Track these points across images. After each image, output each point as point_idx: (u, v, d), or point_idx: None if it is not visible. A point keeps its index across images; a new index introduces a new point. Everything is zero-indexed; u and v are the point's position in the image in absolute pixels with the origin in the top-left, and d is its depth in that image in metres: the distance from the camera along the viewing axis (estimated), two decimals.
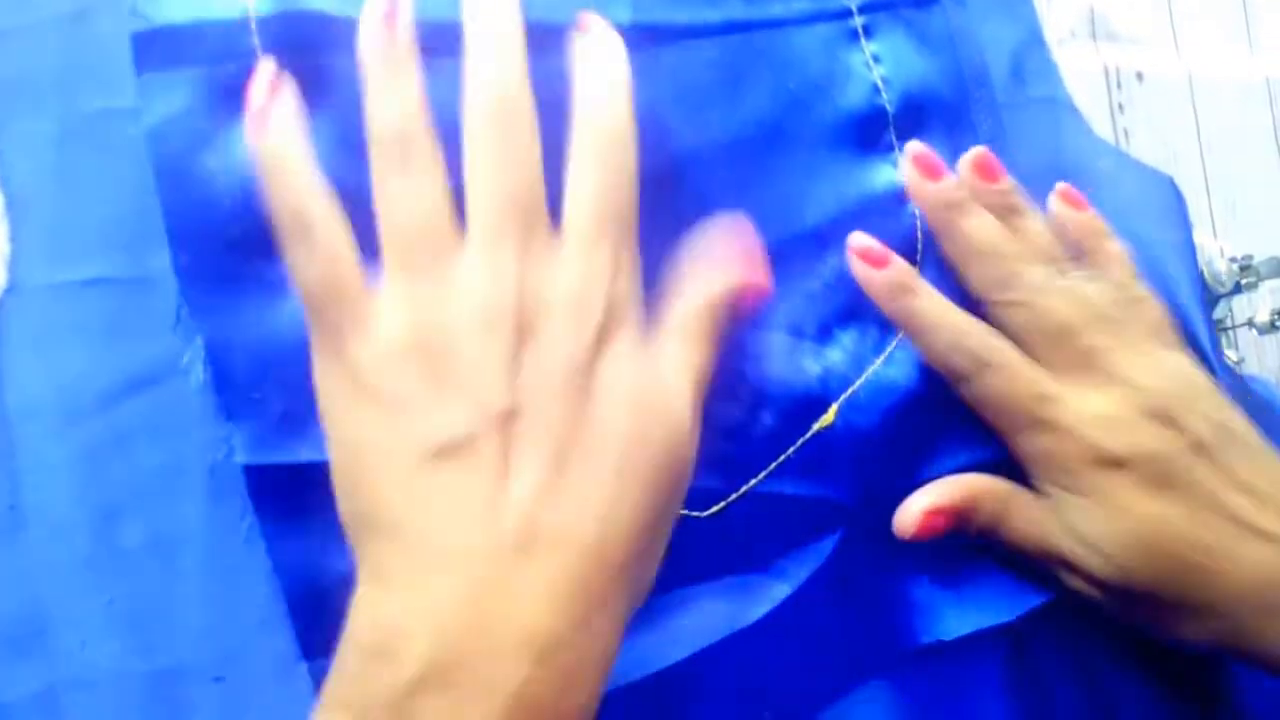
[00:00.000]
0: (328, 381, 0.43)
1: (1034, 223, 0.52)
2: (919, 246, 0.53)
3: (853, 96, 0.53)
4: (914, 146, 0.52)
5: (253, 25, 0.47)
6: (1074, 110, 0.59)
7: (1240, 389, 0.59)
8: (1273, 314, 0.76)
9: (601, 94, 0.44)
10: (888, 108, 0.53)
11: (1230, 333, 0.79)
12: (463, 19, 0.44)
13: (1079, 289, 0.51)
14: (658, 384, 0.43)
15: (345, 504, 0.42)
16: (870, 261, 0.50)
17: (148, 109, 0.47)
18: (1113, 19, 0.88)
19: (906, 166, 0.52)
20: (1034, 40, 0.60)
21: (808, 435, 0.50)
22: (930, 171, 0.51)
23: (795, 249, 0.51)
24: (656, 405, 0.42)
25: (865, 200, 0.53)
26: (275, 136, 0.43)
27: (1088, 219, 0.53)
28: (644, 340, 0.43)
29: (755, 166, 0.51)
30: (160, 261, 0.47)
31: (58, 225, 0.49)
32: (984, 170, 0.52)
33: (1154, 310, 0.52)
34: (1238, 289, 0.79)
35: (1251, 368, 0.84)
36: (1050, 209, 0.54)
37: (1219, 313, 0.80)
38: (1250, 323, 0.78)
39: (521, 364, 0.41)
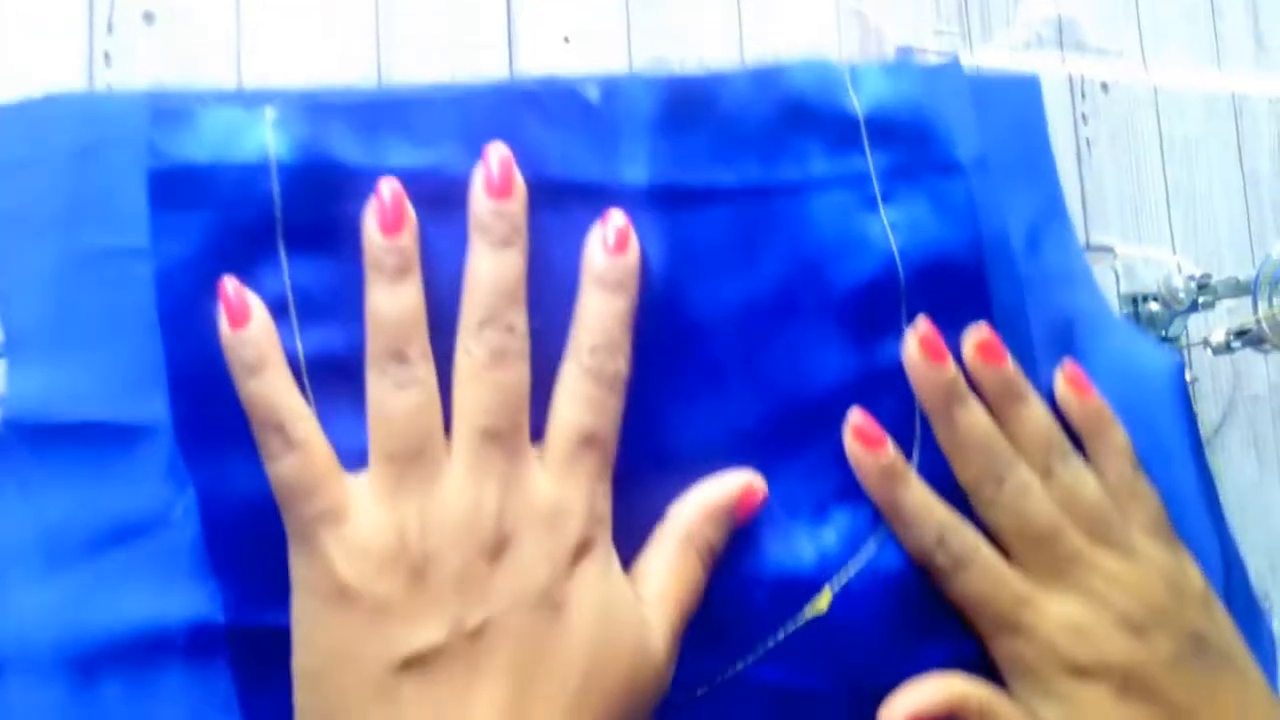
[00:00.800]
0: (302, 574, 0.43)
1: (1033, 411, 0.51)
2: (916, 427, 0.51)
3: (866, 266, 0.52)
4: (922, 327, 0.51)
5: (273, 171, 0.46)
6: (1091, 284, 0.57)
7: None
8: (1228, 334, 0.74)
9: (600, 312, 0.45)
10: (901, 279, 0.52)
11: (1185, 352, 0.77)
12: (470, 210, 0.45)
13: (1068, 489, 0.50)
14: (630, 607, 0.44)
15: (304, 698, 0.43)
16: (865, 441, 0.50)
17: (159, 250, 0.46)
18: (1082, 28, 0.86)
19: (911, 346, 0.50)
20: (1054, 209, 0.58)
21: (800, 622, 0.49)
22: (934, 354, 0.50)
23: (798, 421, 0.51)
24: (626, 628, 0.43)
25: (871, 374, 0.51)
26: (250, 332, 0.43)
27: (1091, 407, 0.53)
28: (623, 559, 0.45)
29: (765, 334, 0.51)
30: (156, 408, 0.46)
31: (54, 364, 0.47)
32: (988, 353, 0.51)
33: (1149, 506, 0.52)
34: (1194, 307, 0.77)
35: (1204, 387, 0.83)
36: (1055, 391, 0.53)
37: (1175, 330, 0.78)
38: (1206, 342, 0.76)
39: (495, 580, 0.42)
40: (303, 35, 0.66)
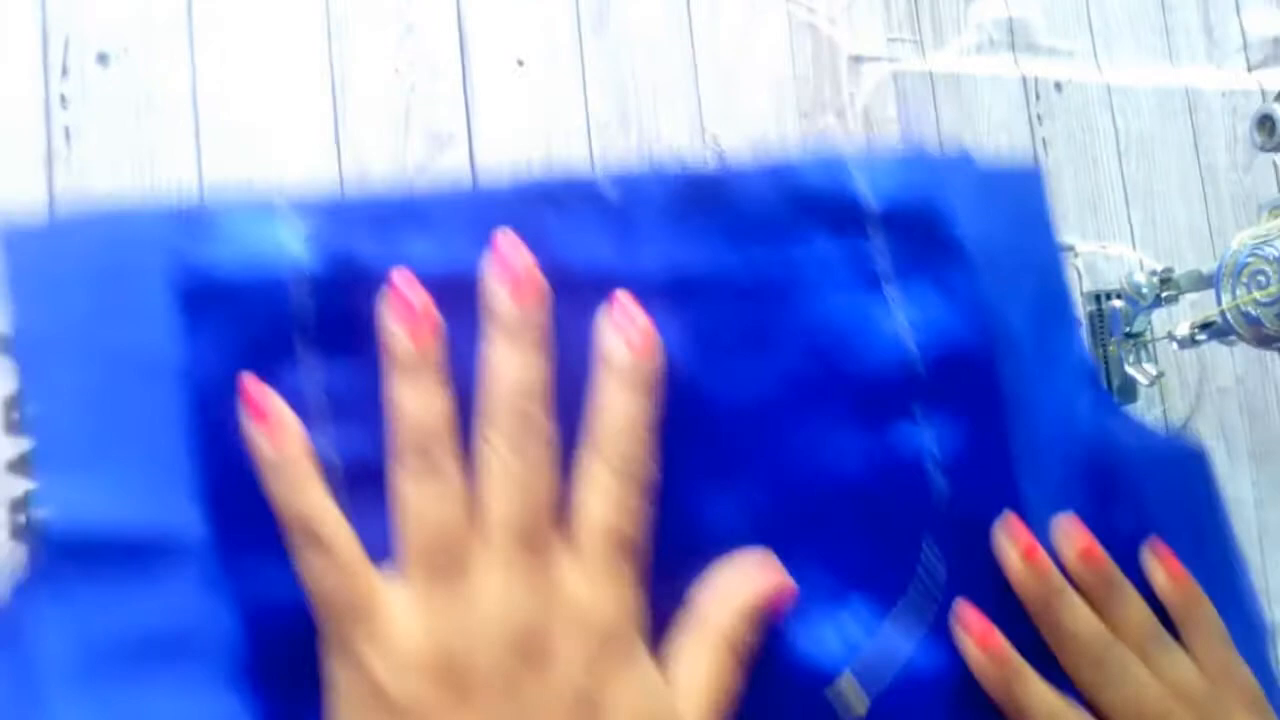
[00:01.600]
0: (341, 684, 0.43)
1: (1131, 600, 0.53)
2: (936, 568, 0.51)
3: (877, 354, 0.52)
4: (1015, 530, 0.51)
5: (299, 277, 0.46)
6: (1095, 377, 0.58)
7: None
8: (1192, 328, 0.75)
9: (627, 413, 0.45)
10: (912, 367, 0.52)
11: (1150, 347, 0.78)
12: (484, 303, 0.45)
13: (1170, 674, 0.52)
14: (668, 710, 0.44)
15: None
16: (980, 640, 0.50)
17: (191, 360, 0.46)
18: (1033, 29, 0.86)
19: (1008, 552, 0.51)
20: (1059, 302, 0.58)
21: None
22: (1031, 556, 0.51)
23: (815, 507, 0.51)
24: None
25: (886, 462, 0.51)
26: (281, 442, 0.43)
27: (1183, 587, 0.53)
28: (658, 658, 0.45)
29: (779, 421, 0.50)
30: (191, 519, 0.46)
31: (88, 478, 0.46)
32: (1089, 559, 0.52)
33: (1246, 685, 0.53)
34: (1158, 302, 0.78)
35: (1171, 382, 0.83)
36: (1147, 572, 0.54)
37: (1139, 325, 0.78)
38: (1170, 336, 0.76)
39: (534, 685, 0.42)
40: (257, 67, 0.66)
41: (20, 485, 0.60)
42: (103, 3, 0.65)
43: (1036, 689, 0.50)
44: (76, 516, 0.46)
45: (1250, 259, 0.72)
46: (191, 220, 0.47)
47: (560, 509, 0.45)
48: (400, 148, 0.68)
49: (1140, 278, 0.78)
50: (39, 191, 0.62)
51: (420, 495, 0.43)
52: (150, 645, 0.46)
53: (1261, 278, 0.71)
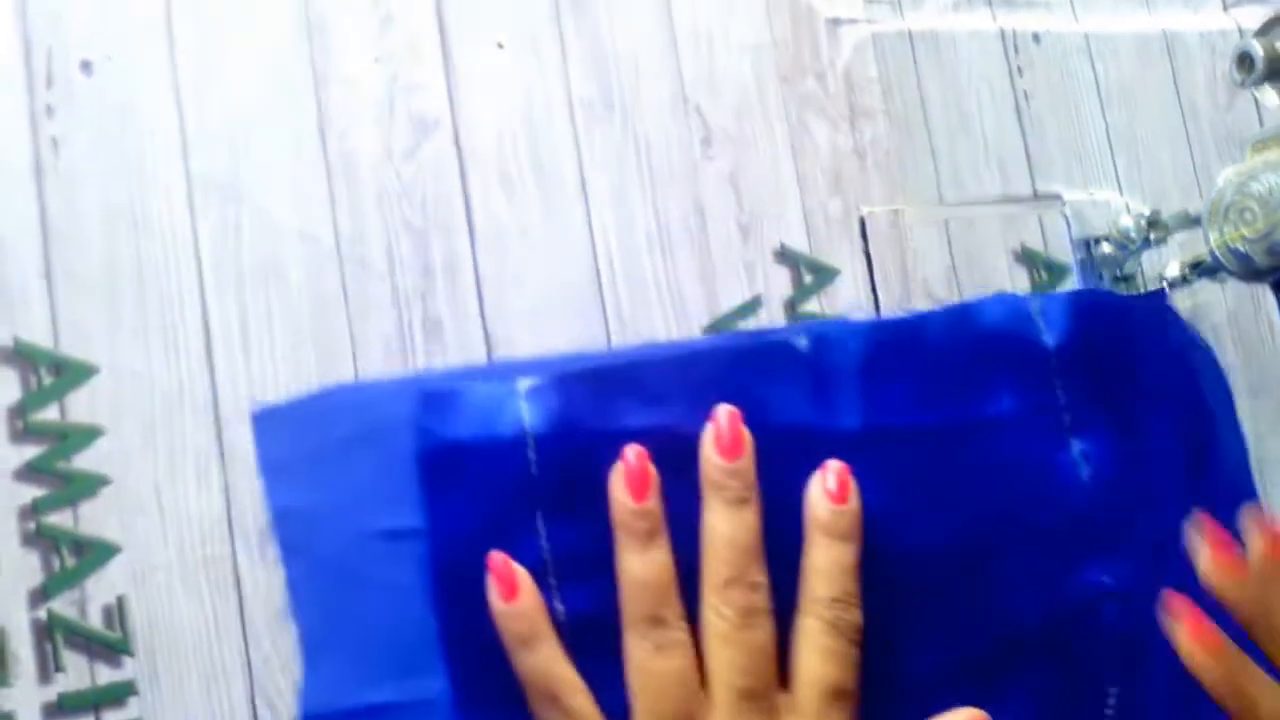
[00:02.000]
0: None
1: None
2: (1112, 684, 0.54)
3: (1062, 497, 0.54)
4: (1214, 536, 0.53)
5: (529, 441, 0.49)
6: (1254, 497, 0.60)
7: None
8: (1183, 268, 0.75)
9: (832, 563, 0.47)
10: (1096, 509, 0.53)
11: (1142, 290, 0.78)
12: (702, 470, 0.47)
13: None
14: None
15: None
16: (1204, 643, 0.51)
17: (432, 527, 0.48)
18: None
19: (1208, 562, 0.52)
20: (1226, 425, 0.60)
21: None
22: (1233, 569, 0.52)
23: (1008, 657, 0.52)
24: None
25: (1071, 607, 0.53)
26: (525, 615, 0.46)
27: None
28: None
29: (974, 565, 0.52)
30: (437, 683, 0.48)
31: (339, 651, 0.50)
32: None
33: None
34: (1147, 244, 0.78)
35: None
36: None
37: (1129, 268, 0.79)
38: (1161, 278, 0.77)
39: None
40: (238, 65, 0.67)
41: (27, 492, 0.61)
42: (83, 11, 0.65)
43: (1262, 678, 0.51)
44: (329, 691, 0.51)
45: (1236, 196, 0.72)
46: (430, 390, 0.49)
47: (780, 663, 0.47)
48: (386, 136, 0.68)
49: (1128, 222, 0.78)
50: (29, 203, 0.62)
51: (654, 657, 0.46)
52: None
53: (1249, 214, 0.71)
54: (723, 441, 0.47)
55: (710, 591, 0.46)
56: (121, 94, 0.65)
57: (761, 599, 0.46)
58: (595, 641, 0.47)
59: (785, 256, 0.74)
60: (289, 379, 0.64)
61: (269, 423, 0.54)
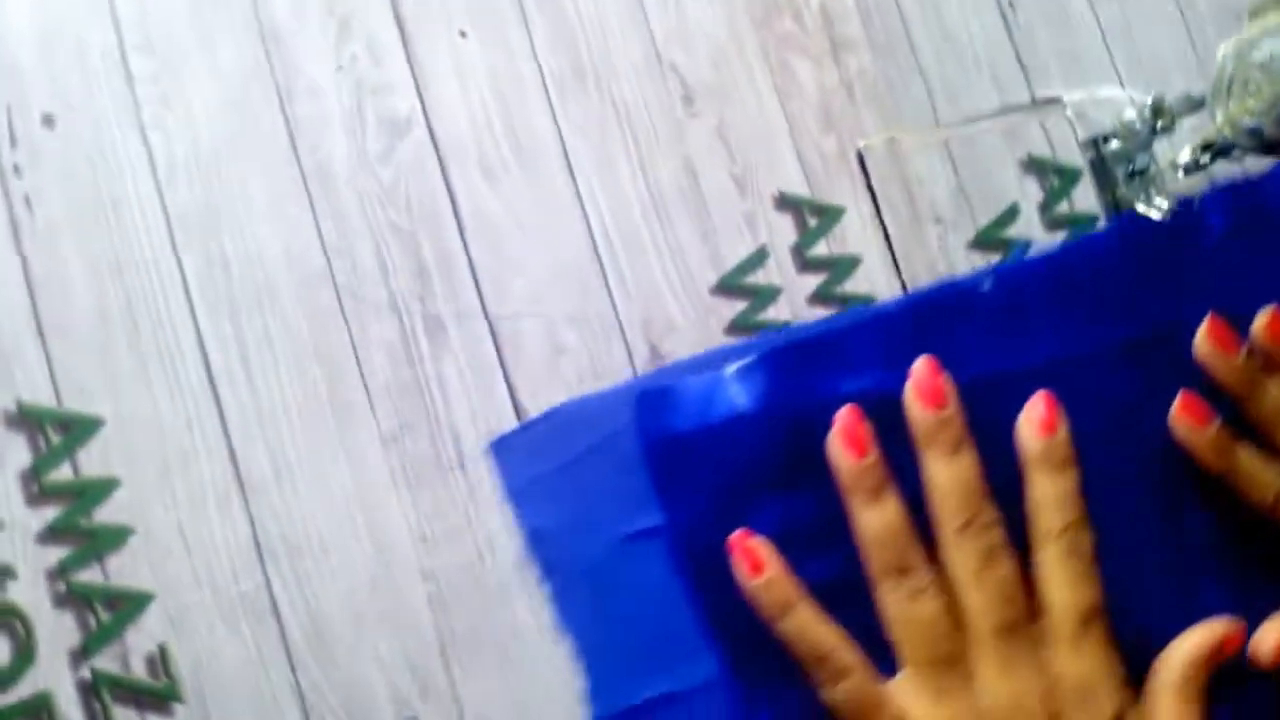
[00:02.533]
0: None
1: None
2: None
3: None
4: (1214, 321, 0.53)
5: (745, 421, 0.50)
6: None
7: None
8: (1194, 152, 0.72)
9: (1057, 492, 0.48)
10: None
11: (1158, 181, 0.76)
12: (912, 425, 0.48)
13: None
14: None
15: None
16: (1192, 416, 0.52)
17: (671, 520, 0.50)
18: None
19: (1202, 339, 0.53)
20: None
21: None
22: (1225, 347, 0.53)
23: (1200, 565, 0.53)
24: None
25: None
26: (769, 577, 0.47)
27: None
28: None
29: (1167, 482, 0.53)
30: (706, 668, 0.50)
31: (617, 652, 0.53)
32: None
33: None
34: (1154, 133, 0.75)
35: None
36: None
37: (1141, 161, 0.76)
38: (1175, 166, 0.74)
39: None
40: (200, 94, 0.66)
41: (53, 554, 0.60)
42: (38, 64, 0.64)
43: (1250, 448, 0.51)
44: (609, 696, 0.53)
45: (1238, 68, 0.69)
46: (645, 397, 0.51)
47: (1025, 593, 0.48)
48: (359, 142, 0.67)
49: (1132, 113, 0.75)
50: (11, 263, 0.62)
51: (909, 604, 0.47)
52: None
53: (1252, 85, 0.69)
54: (926, 393, 0.49)
55: (948, 541, 0.47)
56: (87, 142, 0.64)
57: (998, 535, 0.47)
58: (847, 603, 0.48)
59: (785, 203, 0.72)
60: (296, 400, 0.63)
61: (505, 451, 0.57)
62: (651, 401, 0.51)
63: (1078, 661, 0.47)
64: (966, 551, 0.48)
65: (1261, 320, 0.53)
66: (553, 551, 0.56)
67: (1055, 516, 0.48)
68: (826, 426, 0.49)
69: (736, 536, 0.48)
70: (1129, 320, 0.54)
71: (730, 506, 0.49)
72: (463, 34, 0.69)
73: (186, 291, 0.63)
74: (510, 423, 0.64)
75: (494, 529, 0.63)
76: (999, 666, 0.47)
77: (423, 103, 0.68)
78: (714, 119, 0.72)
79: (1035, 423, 0.49)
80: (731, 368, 0.51)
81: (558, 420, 0.56)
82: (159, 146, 0.64)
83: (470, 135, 0.68)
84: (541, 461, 0.56)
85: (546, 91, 0.70)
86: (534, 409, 0.64)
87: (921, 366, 0.49)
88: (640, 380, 0.58)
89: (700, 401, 0.51)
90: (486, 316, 0.66)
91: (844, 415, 0.49)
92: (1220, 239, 0.57)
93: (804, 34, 0.76)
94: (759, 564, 0.48)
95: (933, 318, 0.52)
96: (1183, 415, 0.52)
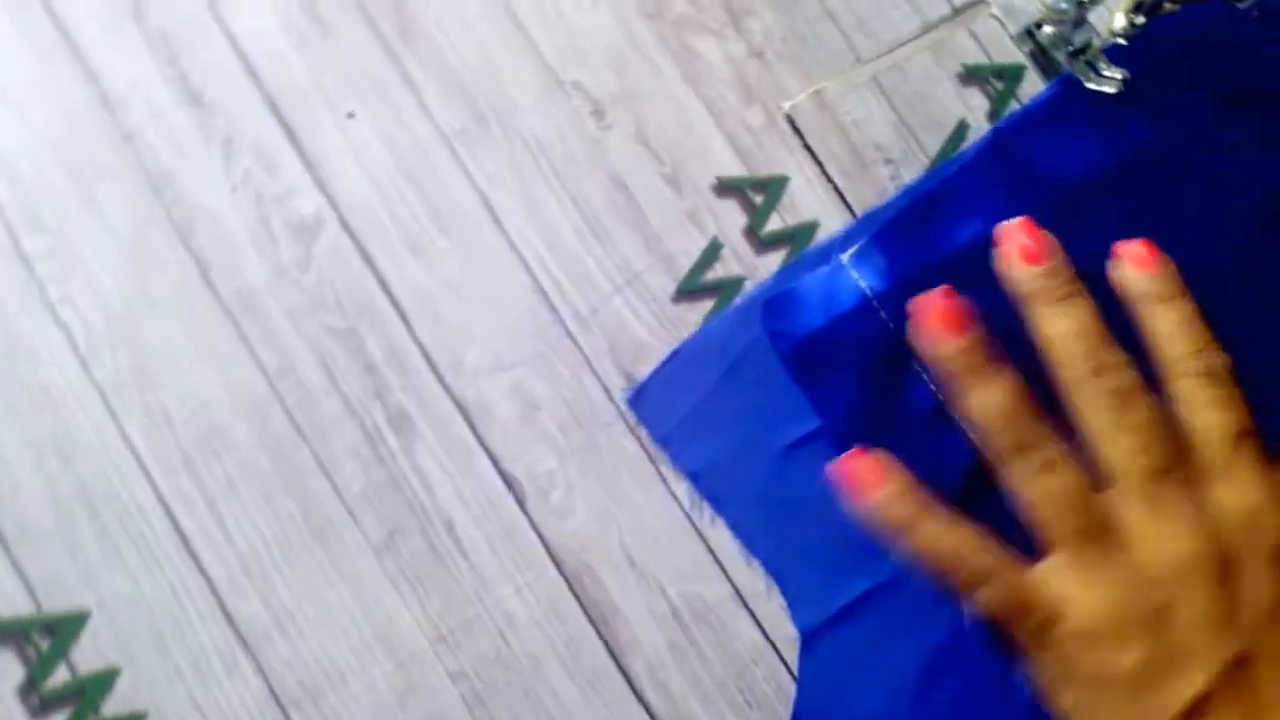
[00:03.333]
0: (1052, 680, 0.45)
1: None
2: None
3: None
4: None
5: (875, 302, 0.52)
6: None
7: None
8: (1127, 15, 0.68)
9: (1174, 322, 0.47)
10: None
11: (1101, 55, 0.72)
12: (1015, 284, 0.49)
13: None
14: None
15: None
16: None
17: (827, 418, 0.51)
18: None
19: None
20: None
21: None
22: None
23: None
24: None
25: None
26: (888, 496, 0.47)
27: None
28: None
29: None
30: (883, 566, 0.51)
31: (807, 566, 0.53)
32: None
33: None
34: (1084, 7, 0.71)
35: None
36: None
37: (1080, 39, 0.72)
38: (1114, 35, 0.70)
39: (1234, 605, 0.43)
40: (101, 259, 0.63)
41: None
42: None
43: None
44: (813, 612, 0.53)
45: None
46: (771, 304, 0.53)
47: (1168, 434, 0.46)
48: (273, 256, 0.64)
49: None
50: None
51: (1043, 479, 0.45)
52: (924, 670, 0.51)
53: None
54: (1029, 251, 0.48)
55: (1077, 391, 0.46)
56: (0, 336, 0.62)
57: (1132, 376, 0.46)
58: (977, 490, 0.48)
59: (725, 188, 0.69)
60: (276, 537, 0.61)
61: (643, 401, 0.58)
62: (777, 308, 0.53)
63: (1236, 491, 0.44)
64: (1102, 399, 0.45)
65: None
66: (718, 485, 0.55)
67: (1182, 344, 0.47)
68: (957, 280, 0.49)
69: (866, 466, 0.47)
70: (1215, 82, 0.56)
71: (882, 388, 0.50)
72: (350, 115, 0.67)
73: (137, 459, 0.61)
74: (499, 493, 0.62)
75: (506, 601, 0.61)
76: (1155, 520, 0.44)
77: (328, 196, 0.65)
78: (630, 125, 0.69)
79: (1136, 260, 0.49)
80: (846, 255, 0.53)
81: (685, 357, 0.57)
82: (73, 322, 0.62)
83: (385, 215, 0.65)
84: (681, 401, 0.56)
85: (451, 148, 0.67)
86: (520, 474, 0.62)
87: (1013, 228, 0.49)
88: (750, 295, 0.58)
89: (824, 295, 0.52)
90: (449, 393, 0.63)
91: (929, 298, 0.49)
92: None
93: (699, 12, 0.72)
94: (878, 479, 0.47)
95: (1028, 130, 0.56)
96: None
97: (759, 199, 0.69)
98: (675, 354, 0.59)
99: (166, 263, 0.63)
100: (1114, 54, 0.62)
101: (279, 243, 0.64)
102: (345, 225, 0.65)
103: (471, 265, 0.65)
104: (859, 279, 0.54)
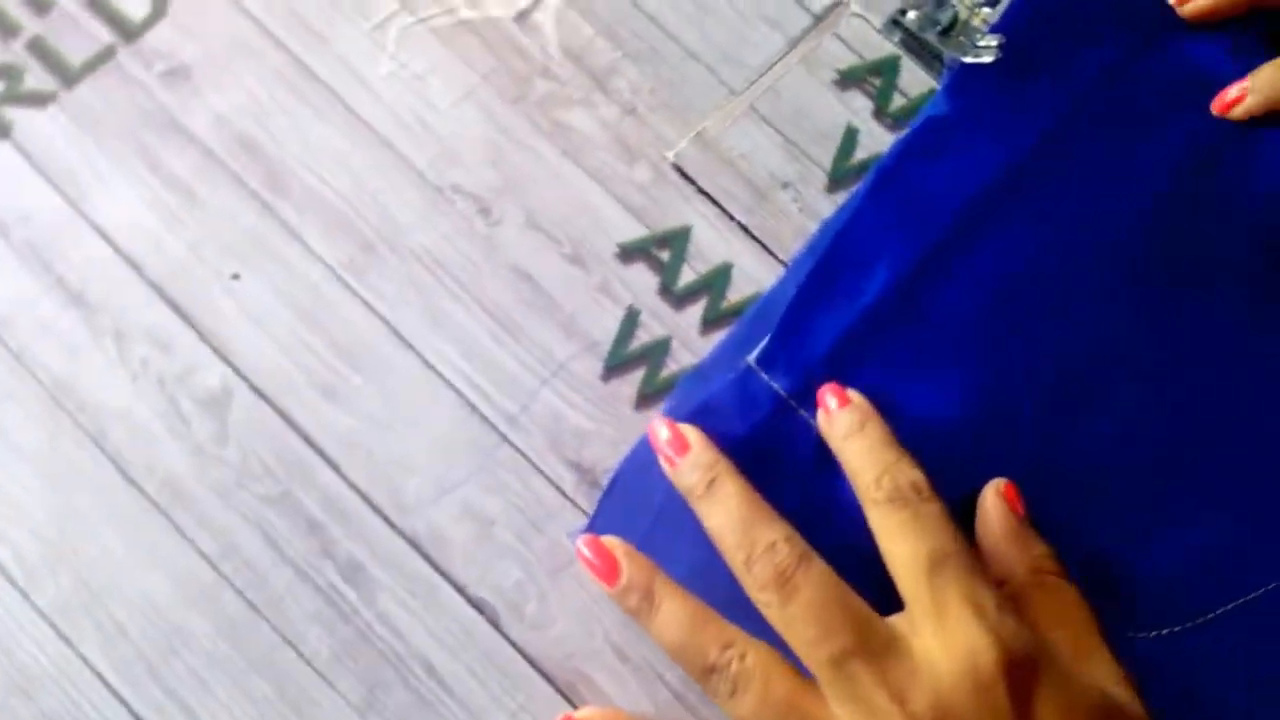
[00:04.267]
0: None
1: None
2: None
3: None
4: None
5: (794, 404, 0.53)
6: None
7: None
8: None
9: (864, 457, 0.49)
10: None
11: (970, 27, 0.70)
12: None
13: None
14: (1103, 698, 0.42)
15: None
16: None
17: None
18: None
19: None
20: None
21: None
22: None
23: None
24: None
25: None
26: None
27: None
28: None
29: None
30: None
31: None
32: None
33: None
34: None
35: None
36: None
37: (946, 17, 0.71)
38: (977, 4, 0.69)
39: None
40: (20, 487, 0.62)
41: None
42: None
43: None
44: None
45: None
46: (691, 420, 0.53)
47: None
48: (189, 438, 0.63)
49: None
50: None
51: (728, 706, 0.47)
52: None
53: None
54: (666, 452, 0.49)
55: (744, 584, 0.45)
56: None
57: (787, 552, 0.44)
58: None
59: (630, 253, 0.67)
60: (257, 718, 0.59)
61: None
62: (696, 425, 0.53)
63: (938, 643, 0.41)
64: (761, 594, 0.45)
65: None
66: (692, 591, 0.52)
67: (869, 470, 0.46)
68: (869, 349, 0.53)
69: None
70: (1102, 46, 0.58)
71: (819, 486, 0.50)
72: (235, 276, 0.65)
73: (101, 679, 0.59)
74: (472, 620, 0.60)
75: None
76: (853, 714, 0.41)
77: (230, 364, 0.64)
78: (519, 215, 0.67)
79: (833, 398, 0.49)
80: (751, 357, 0.54)
81: (622, 487, 0.57)
82: (5, 556, 0.60)
83: (292, 368, 0.63)
84: (630, 534, 0.54)
85: (344, 283, 0.66)
86: (488, 595, 0.60)
87: (656, 436, 0.50)
88: (665, 410, 0.59)
89: (738, 404, 0.53)
90: (397, 531, 0.61)
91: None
92: None
93: (562, 86, 0.71)
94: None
95: (904, 167, 0.57)
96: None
97: (666, 255, 0.67)
98: (612, 485, 0.58)
99: (85, 472, 0.61)
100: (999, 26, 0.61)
101: (191, 423, 0.62)
102: (255, 388, 0.63)
103: (391, 395, 0.63)
104: (769, 380, 0.53)
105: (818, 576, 0.42)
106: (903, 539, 0.43)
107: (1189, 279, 0.53)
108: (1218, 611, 0.49)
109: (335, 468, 0.62)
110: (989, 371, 0.52)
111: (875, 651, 0.40)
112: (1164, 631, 0.49)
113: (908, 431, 0.50)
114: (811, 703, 0.42)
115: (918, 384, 0.52)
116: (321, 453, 0.63)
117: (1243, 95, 0.56)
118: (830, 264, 0.54)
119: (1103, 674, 0.44)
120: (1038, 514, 0.50)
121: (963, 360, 0.52)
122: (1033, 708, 0.39)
